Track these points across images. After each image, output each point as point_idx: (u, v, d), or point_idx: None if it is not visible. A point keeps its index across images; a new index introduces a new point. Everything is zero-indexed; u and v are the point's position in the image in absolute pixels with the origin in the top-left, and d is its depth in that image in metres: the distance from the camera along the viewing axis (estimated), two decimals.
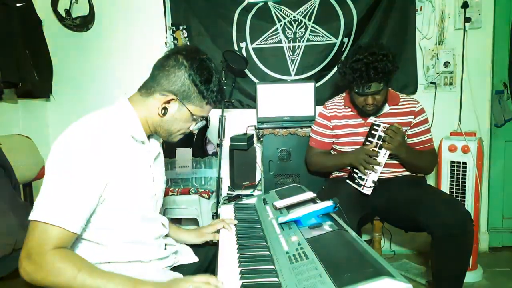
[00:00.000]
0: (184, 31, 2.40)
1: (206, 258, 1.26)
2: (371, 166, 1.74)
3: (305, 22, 2.47)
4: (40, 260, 0.83)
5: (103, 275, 0.88)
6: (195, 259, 1.26)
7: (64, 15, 2.50)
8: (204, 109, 1.09)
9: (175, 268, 1.17)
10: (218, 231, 1.29)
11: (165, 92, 1.04)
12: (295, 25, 2.48)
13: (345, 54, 2.43)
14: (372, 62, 1.67)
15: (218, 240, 1.20)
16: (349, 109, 1.94)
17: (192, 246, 1.30)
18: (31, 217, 0.86)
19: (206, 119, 1.17)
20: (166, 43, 2.49)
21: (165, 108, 1.05)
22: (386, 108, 1.89)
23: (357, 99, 1.80)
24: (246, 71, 2.51)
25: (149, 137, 1.14)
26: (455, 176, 2.19)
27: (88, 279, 0.85)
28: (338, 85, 2.45)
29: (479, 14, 2.36)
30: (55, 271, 0.83)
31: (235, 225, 1.27)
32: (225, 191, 2.45)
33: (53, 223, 0.85)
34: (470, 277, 2.16)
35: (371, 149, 1.76)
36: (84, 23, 2.54)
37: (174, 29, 2.42)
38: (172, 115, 1.07)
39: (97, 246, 0.99)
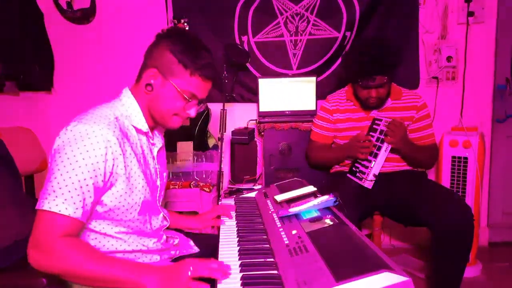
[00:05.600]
0: (185, 24, 2.39)
1: (207, 250, 1.27)
2: (368, 149, 1.74)
3: (307, 16, 2.46)
4: (48, 248, 0.85)
5: (109, 260, 0.90)
6: (196, 250, 1.27)
7: (65, 7, 2.49)
8: (190, 83, 1.04)
9: (176, 260, 1.18)
10: (218, 217, 1.31)
11: (147, 68, 1.05)
12: (297, 19, 2.47)
13: (347, 48, 2.43)
14: (377, 55, 1.67)
15: (218, 228, 1.21)
16: (351, 103, 1.94)
17: (193, 238, 1.31)
18: (38, 206, 0.88)
19: (201, 103, 1.13)
20: None
21: (149, 84, 1.05)
22: (389, 102, 1.89)
23: (361, 91, 1.80)
24: (248, 65, 2.50)
25: (152, 129, 1.15)
26: (455, 171, 2.19)
27: (96, 265, 0.87)
28: (340, 79, 2.44)
29: (483, 8, 2.35)
30: (63, 258, 0.85)
31: (235, 218, 1.27)
32: (226, 184, 2.45)
33: (59, 212, 0.86)
34: (469, 272, 2.17)
35: (362, 135, 1.78)
36: (85, 16, 2.53)
37: (176, 22, 2.41)
38: (158, 91, 1.05)
39: (99, 237, 1.01)
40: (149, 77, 1.04)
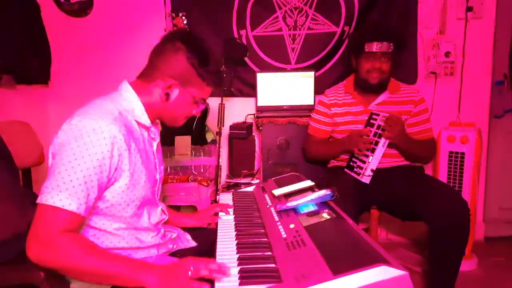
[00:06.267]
0: (184, 17, 2.38)
1: (205, 244, 1.28)
2: (367, 145, 1.75)
3: (306, 10, 2.45)
4: (48, 242, 0.85)
5: (110, 257, 0.90)
6: (193, 244, 1.28)
7: (62, 0, 2.47)
8: (204, 91, 1.11)
9: (173, 254, 1.18)
10: (216, 214, 1.31)
11: (165, 78, 1.05)
12: (296, 13, 2.46)
13: (346, 43, 2.42)
14: (384, 25, 1.93)
15: (216, 223, 1.22)
16: (350, 96, 1.94)
17: (191, 231, 1.32)
18: (39, 200, 0.87)
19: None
20: (165, 30, 2.47)
21: (167, 94, 1.07)
22: (387, 96, 1.89)
23: (364, 64, 1.82)
24: (246, 59, 2.49)
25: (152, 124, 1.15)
26: (452, 166, 2.20)
27: (96, 261, 0.87)
28: (339, 73, 2.44)
29: (481, 4, 2.34)
30: (64, 253, 0.85)
31: (233, 212, 1.28)
32: (224, 179, 2.45)
33: (61, 206, 0.86)
34: (465, 266, 2.18)
35: (363, 130, 1.79)
36: (82, 9, 2.52)
37: (174, 16, 2.39)
38: (175, 100, 1.08)
39: (98, 233, 1.01)
40: (167, 87, 1.06)
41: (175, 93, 1.07)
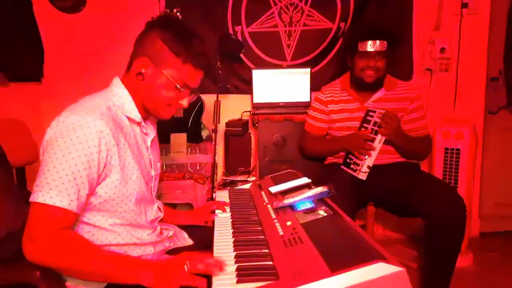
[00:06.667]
0: (178, 13, 2.36)
1: (202, 242, 1.27)
2: (367, 150, 1.74)
3: (301, 6, 2.44)
4: (42, 240, 0.85)
5: (105, 254, 0.90)
6: (190, 242, 1.27)
7: None
8: (182, 72, 1.02)
9: (170, 252, 1.18)
10: (213, 212, 1.31)
11: (138, 57, 1.03)
12: (291, 9, 2.44)
13: (341, 40, 2.42)
14: (379, 22, 1.93)
15: (213, 221, 1.21)
16: (346, 93, 1.94)
17: (187, 229, 1.31)
18: (32, 198, 0.87)
19: (194, 92, 1.10)
20: None
21: (140, 74, 1.03)
22: (383, 93, 1.89)
23: (359, 62, 1.81)
24: (242, 55, 2.48)
25: (145, 120, 1.13)
26: (448, 162, 2.21)
27: (91, 259, 0.87)
28: (335, 70, 2.43)
29: (477, 0, 2.34)
30: (58, 251, 0.85)
31: (230, 210, 1.27)
32: (220, 176, 2.45)
33: (52, 204, 0.86)
34: (461, 261, 2.18)
35: (366, 134, 1.77)
36: (75, 5, 2.49)
37: (168, 11, 2.37)
38: (150, 80, 1.03)
39: (93, 230, 1.00)
40: (140, 66, 1.02)
41: (148, 71, 1.02)
